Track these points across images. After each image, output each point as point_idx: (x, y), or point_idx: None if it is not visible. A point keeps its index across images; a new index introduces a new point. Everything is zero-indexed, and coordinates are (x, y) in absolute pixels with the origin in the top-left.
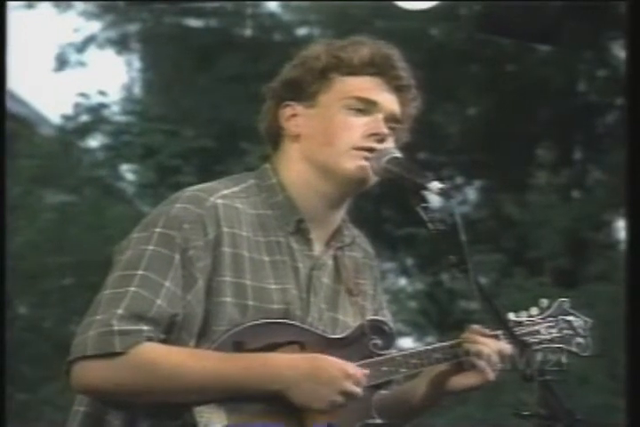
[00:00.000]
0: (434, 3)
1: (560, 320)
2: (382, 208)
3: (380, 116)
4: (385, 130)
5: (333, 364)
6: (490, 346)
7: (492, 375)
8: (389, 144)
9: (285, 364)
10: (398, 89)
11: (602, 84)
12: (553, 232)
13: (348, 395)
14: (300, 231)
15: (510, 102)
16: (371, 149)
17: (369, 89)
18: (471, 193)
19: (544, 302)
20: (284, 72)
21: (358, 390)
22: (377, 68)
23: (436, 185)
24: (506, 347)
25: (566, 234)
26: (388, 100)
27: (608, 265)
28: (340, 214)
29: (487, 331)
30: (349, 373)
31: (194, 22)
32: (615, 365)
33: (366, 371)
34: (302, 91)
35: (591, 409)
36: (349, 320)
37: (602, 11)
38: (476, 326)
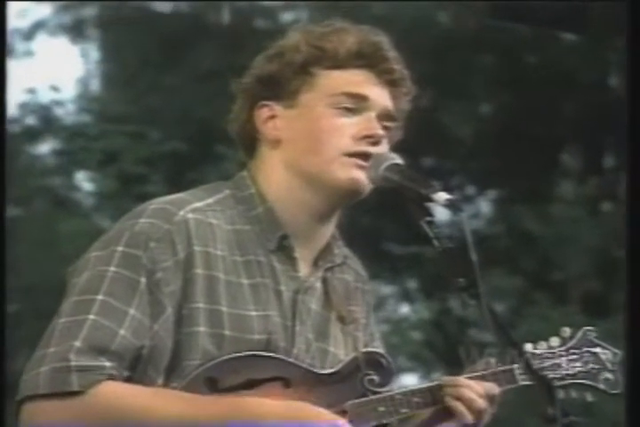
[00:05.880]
0: None
1: (585, 353)
2: (381, 223)
3: (373, 114)
4: (379, 131)
5: (321, 415)
6: (473, 388)
7: (469, 418)
8: (385, 147)
9: (265, 410)
10: (390, 83)
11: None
12: (580, 251)
13: None
14: (283, 249)
15: (530, 99)
16: (365, 154)
17: (358, 83)
18: (484, 205)
19: (566, 331)
20: (257, 65)
21: None
22: (365, 59)
23: (442, 196)
24: (492, 388)
25: (595, 253)
26: (380, 96)
27: None
28: (329, 229)
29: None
30: (339, 425)
31: (161, 6)
32: None
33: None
34: (281, 88)
35: None
36: (340, 353)
37: None
38: (489, 359)
